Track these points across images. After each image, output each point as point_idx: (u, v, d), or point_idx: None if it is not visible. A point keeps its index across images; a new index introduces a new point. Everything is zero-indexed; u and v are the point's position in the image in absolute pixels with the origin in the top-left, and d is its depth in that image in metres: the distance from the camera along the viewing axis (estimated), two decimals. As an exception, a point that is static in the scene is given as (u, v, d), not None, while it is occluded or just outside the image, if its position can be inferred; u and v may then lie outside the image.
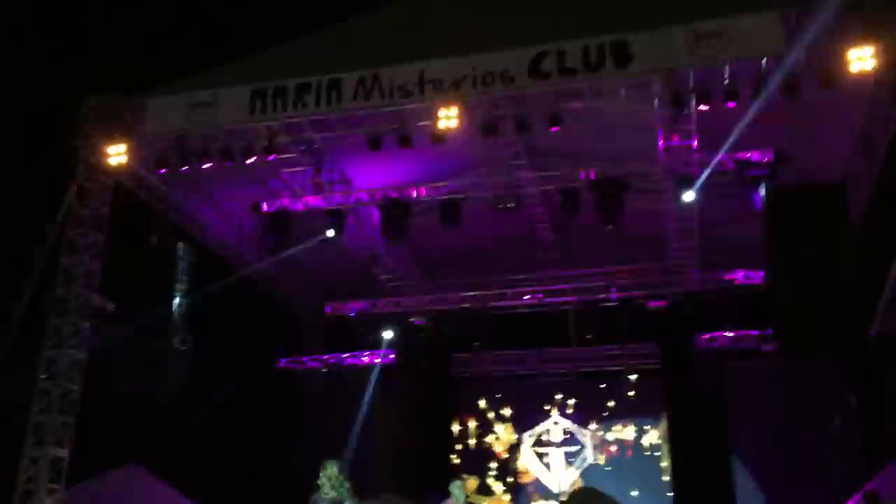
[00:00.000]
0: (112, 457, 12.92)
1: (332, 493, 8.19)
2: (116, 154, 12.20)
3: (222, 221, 15.09)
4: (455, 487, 9.23)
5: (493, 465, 18.07)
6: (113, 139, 12.19)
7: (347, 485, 8.27)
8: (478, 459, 18.17)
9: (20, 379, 11.46)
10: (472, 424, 18.52)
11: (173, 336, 12.53)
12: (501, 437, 18.29)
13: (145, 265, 12.85)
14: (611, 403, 17.80)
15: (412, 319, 17.82)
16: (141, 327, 12.16)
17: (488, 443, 18.29)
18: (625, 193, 12.76)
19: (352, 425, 17.04)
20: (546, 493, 17.63)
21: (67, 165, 12.23)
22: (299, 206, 14.06)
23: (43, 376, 11.47)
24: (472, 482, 11.21)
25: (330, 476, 8.23)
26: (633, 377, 17.56)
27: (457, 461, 18.23)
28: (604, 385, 17.88)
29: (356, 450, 16.42)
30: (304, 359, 18.21)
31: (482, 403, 18.62)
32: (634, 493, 16.96)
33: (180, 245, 12.79)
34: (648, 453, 17.31)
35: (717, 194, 13.57)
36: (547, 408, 18.13)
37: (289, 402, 17.79)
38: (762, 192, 11.47)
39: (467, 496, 9.34)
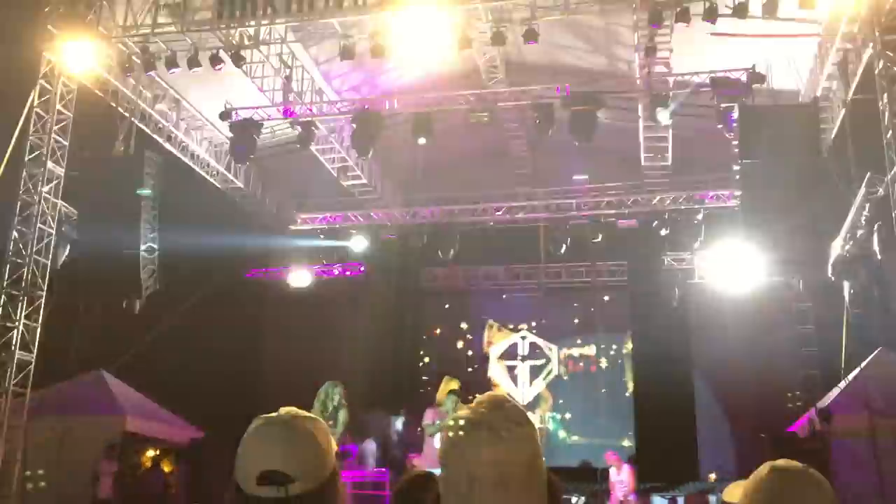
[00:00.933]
0: (79, 362, 12.92)
1: (326, 407, 8.61)
2: (81, 57, 11.81)
3: (191, 128, 14.80)
4: (449, 400, 9.39)
5: (462, 377, 18.35)
6: (77, 42, 11.78)
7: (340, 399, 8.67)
8: (447, 372, 18.43)
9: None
10: (441, 337, 18.75)
11: (141, 244, 12.38)
12: (470, 349, 18.56)
13: (111, 172, 12.60)
14: (578, 319, 18.07)
15: (383, 233, 17.77)
16: (107, 235, 12.00)
17: (457, 355, 18.55)
18: (599, 111, 12.64)
19: (321, 336, 17.15)
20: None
21: (30, 68, 11.85)
22: (269, 115, 13.81)
23: (7, 283, 11.33)
24: (453, 383, 11.44)
25: (329, 392, 8.63)
26: (609, 302, 17.77)
27: (426, 374, 18.52)
28: (574, 302, 18.12)
29: (328, 360, 16.59)
30: (274, 269, 18.15)
31: (451, 317, 18.83)
32: (598, 405, 17.40)
33: (147, 152, 12.49)
34: (612, 368, 17.67)
35: (691, 113, 13.56)
36: (515, 322, 18.37)
37: (257, 312, 17.83)
38: (735, 112, 11.42)
39: (459, 400, 9.54)
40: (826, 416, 11.20)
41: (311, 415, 1.68)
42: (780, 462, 1.69)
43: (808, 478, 1.63)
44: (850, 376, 12.22)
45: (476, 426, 1.20)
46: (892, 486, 10.38)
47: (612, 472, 12.72)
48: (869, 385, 11.33)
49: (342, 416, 8.95)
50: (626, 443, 16.65)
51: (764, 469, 1.67)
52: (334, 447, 1.67)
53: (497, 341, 18.51)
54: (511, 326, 18.46)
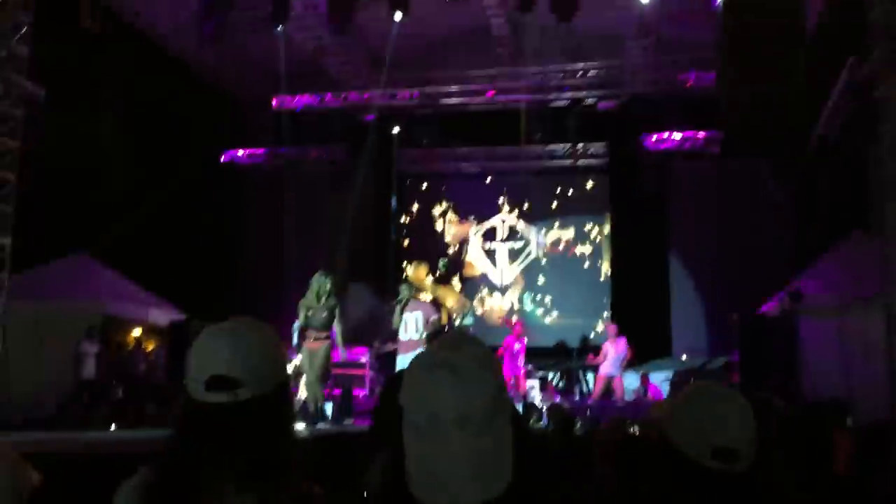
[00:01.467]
0: (56, 247, 12.87)
1: (321, 300, 8.89)
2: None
3: (159, 4, 14.26)
4: (403, 288, 9.48)
5: (442, 259, 18.52)
6: None
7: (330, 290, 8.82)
8: (426, 255, 18.58)
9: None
10: (420, 220, 18.78)
11: (111, 124, 12.14)
12: (449, 232, 18.62)
13: (78, 51, 12.20)
14: (557, 202, 18.10)
15: (361, 115, 17.50)
16: (76, 115, 11.74)
17: (436, 238, 18.64)
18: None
19: (300, 218, 17.12)
20: (492, 287, 18.25)
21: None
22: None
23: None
24: (422, 269, 11.58)
25: (321, 284, 8.76)
26: (588, 185, 17.73)
27: (405, 258, 18.63)
28: (553, 185, 18.09)
29: (306, 242, 16.64)
30: (250, 151, 17.94)
31: (430, 200, 18.81)
32: (575, 287, 17.66)
33: (112, 32, 12.07)
34: (590, 251, 17.83)
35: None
36: (494, 205, 18.38)
37: (234, 196, 17.72)
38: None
39: (415, 287, 9.62)
40: (796, 296, 11.40)
41: (260, 323, 1.67)
42: (706, 382, 1.75)
43: (729, 396, 1.66)
44: (823, 258, 12.38)
45: (438, 366, 1.19)
46: (857, 367, 10.67)
47: (607, 344, 12.97)
48: (840, 266, 11.50)
49: (336, 308, 9.06)
50: (600, 325, 16.98)
51: (689, 387, 1.71)
52: (284, 357, 1.67)
53: (455, 233, 18.56)
54: (472, 217, 18.43)
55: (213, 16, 12.97)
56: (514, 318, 16.14)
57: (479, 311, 18.19)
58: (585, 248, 17.89)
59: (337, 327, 9.02)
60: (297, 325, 9.06)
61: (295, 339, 9.11)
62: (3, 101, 11.23)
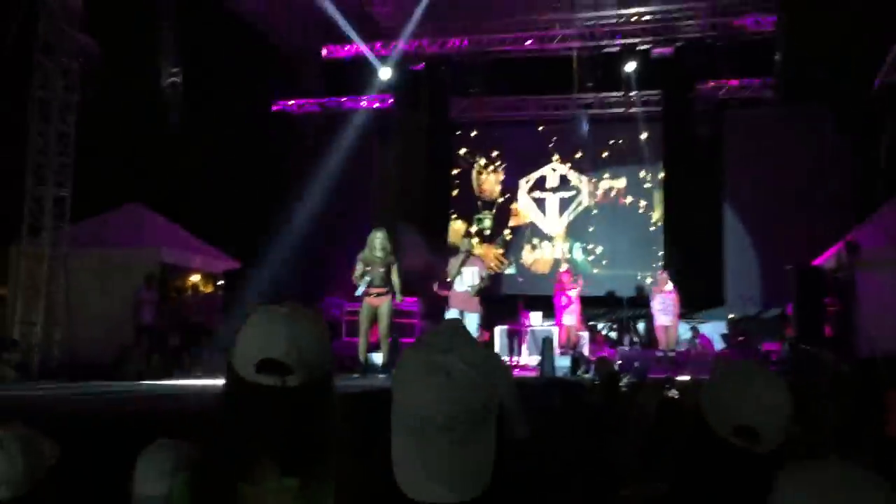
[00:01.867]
0: (112, 196, 13.16)
1: (382, 255, 8.96)
2: None
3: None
4: (463, 243, 9.62)
5: (491, 208, 18.51)
6: None
7: (389, 247, 9.04)
8: (475, 202, 18.59)
9: (15, 121, 11.41)
10: (471, 168, 18.73)
11: (164, 77, 12.27)
12: (497, 181, 18.56)
13: (129, 3, 12.31)
14: (609, 151, 17.86)
15: (410, 63, 17.39)
16: (130, 68, 11.88)
17: (485, 187, 18.59)
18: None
19: (350, 168, 17.19)
20: (541, 236, 18.20)
21: None
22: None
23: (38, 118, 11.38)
24: (462, 226, 11.64)
25: (380, 240, 8.84)
26: (642, 134, 17.44)
27: (455, 207, 18.65)
28: (606, 133, 17.83)
29: (358, 192, 16.73)
30: (301, 101, 18.00)
31: (481, 148, 18.72)
32: (626, 237, 17.51)
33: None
34: (643, 200, 17.61)
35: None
36: (545, 153, 18.22)
37: (285, 144, 17.83)
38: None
39: (466, 249, 9.75)
40: (854, 248, 11.16)
41: (312, 312, 1.68)
42: (747, 362, 1.76)
43: (763, 377, 1.65)
44: (882, 208, 12.06)
45: (433, 370, 1.19)
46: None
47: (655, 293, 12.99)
48: (899, 218, 11.20)
49: (395, 264, 9.11)
50: (649, 278, 16.86)
51: (729, 363, 1.70)
52: (331, 347, 1.68)
53: (486, 185, 18.49)
54: (522, 166, 18.32)
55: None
56: (563, 269, 16.07)
57: (528, 261, 18.17)
58: (638, 198, 17.67)
59: (396, 281, 9.09)
60: (357, 275, 9.02)
61: (359, 290, 9.06)
62: (60, 54, 11.43)
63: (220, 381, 1.65)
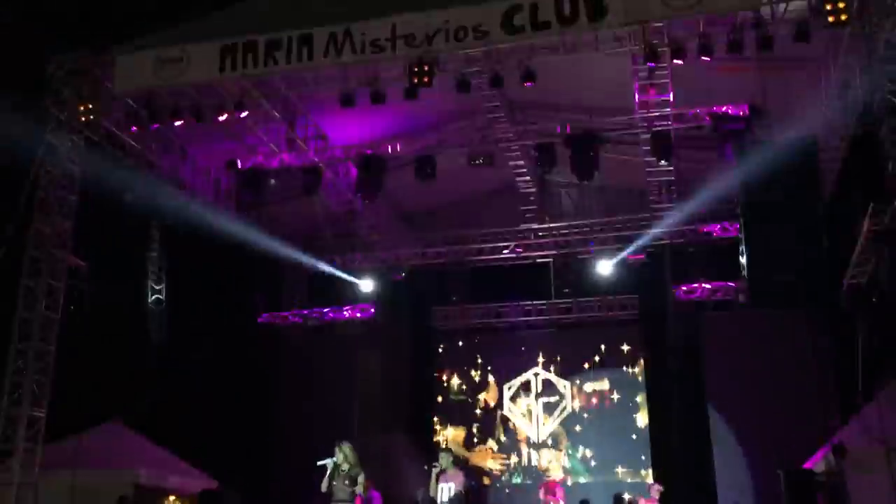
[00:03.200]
0: (91, 415, 12.98)
1: (347, 468, 8.92)
2: (86, 111, 11.97)
3: (198, 177, 14.94)
4: (442, 458, 9.45)
5: (476, 416, 18.31)
6: (82, 96, 11.96)
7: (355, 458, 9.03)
8: (462, 410, 18.41)
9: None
10: (454, 377, 18.70)
11: (150, 294, 12.47)
12: (484, 388, 18.48)
13: (119, 224, 12.73)
14: (589, 354, 17.97)
15: (392, 273, 17.81)
16: (117, 286, 12.10)
17: (472, 394, 18.49)
18: (600, 147, 12.70)
19: (335, 379, 17.15)
20: (530, 443, 17.90)
21: (36, 123, 12.02)
22: (274, 163, 13.96)
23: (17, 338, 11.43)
24: (460, 433, 11.45)
25: (346, 454, 8.92)
26: (620, 337, 17.64)
27: (439, 414, 18.46)
28: (585, 337, 18.04)
29: (341, 402, 16.59)
30: (285, 314, 18.23)
31: (463, 355, 18.78)
32: (614, 441, 17.25)
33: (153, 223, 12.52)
34: (627, 403, 17.51)
35: (694, 147, 13.59)
36: (527, 359, 18.30)
37: (271, 356, 17.86)
38: (736, 146, 11.43)
39: (453, 456, 9.56)
40: (841, 451, 11.04)
41: None
42: None
43: None
44: (865, 408, 12.04)
45: None
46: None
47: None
48: (884, 417, 11.15)
49: (360, 476, 9.06)
50: (647, 478, 16.47)
51: None
52: None
53: (489, 390, 18.47)
54: (505, 372, 18.37)
55: (249, 188, 13.54)
56: (555, 477, 15.65)
57: (528, 464, 17.79)
58: (621, 400, 17.58)
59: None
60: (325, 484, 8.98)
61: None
62: (46, 275, 11.67)
63: None
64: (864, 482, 10.69)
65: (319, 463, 9.14)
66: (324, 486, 8.99)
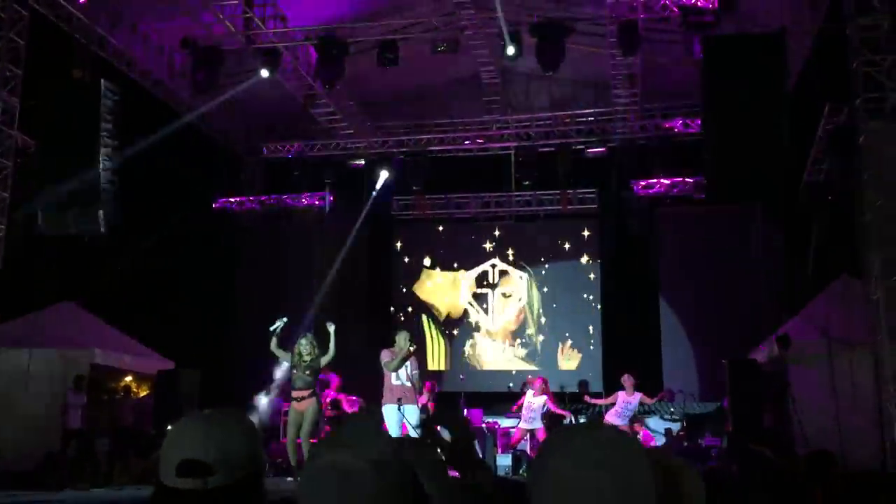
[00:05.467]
0: (45, 296, 12.85)
1: (309, 360, 9.22)
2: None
3: (151, 55, 14.43)
4: (401, 338, 9.48)
5: (433, 305, 18.52)
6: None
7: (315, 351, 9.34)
8: (418, 301, 18.59)
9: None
10: (411, 266, 18.80)
11: (102, 175, 12.15)
12: (441, 278, 18.63)
13: (68, 101, 12.29)
14: (547, 247, 18.16)
15: (351, 161, 17.62)
16: (66, 166, 11.78)
17: (428, 284, 18.65)
18: (567, 38, 12.45)
19: (291, 267, 17.15)
20: (484, 333, 18.22)
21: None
22: (232, 43, 13.48)
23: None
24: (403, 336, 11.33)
25: (306, 346, 9.26)
26: (578, 231, 17.79)
27: (398, 304, 18.63)
28: (544, 230, 18.18)
29: (298, 288, 16.63)
30: (242, 198, 18.01)
31: (422, 245, 18.85)
32: (567, 334, 17.66)
33: (103, 82, 12.13)
34: (582, 295, 17.83)
35: (659, 40, 13.42)
36: (485, 250, 18.43)
37: (227, 241, 17.73)
38: (703, 39, 11.28)
39: (410, 345, 9.57)
40: (785, 341, 11.41)
41: (239, 412, 1.65)
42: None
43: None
44: (811, 303, 12.42)
45: (329, 470, 1.19)
46: (846, 409, 10.67)
47: (622, 394, 12.26)
48: (829, 311, 11.52)
49: (319, 363, 9.27)
50: (595, 371, 16.97)
51: None
52: (260, 447, 1.63)
53: (433, 280, 18.57)
54: (462, 262, 18.50)
55: (205, 69, 13.10)
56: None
57: (470, 356, 18.14)
58: (577, 294, 17.89)
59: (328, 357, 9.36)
60: (277, 378, 9.27)
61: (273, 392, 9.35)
62: (-6, 152, 11.31)
63: (149, 492, 1.60)
64: (805, 372, 11.12)
65: (272, 328, 9.34)
66: (272, 346, 9.39)
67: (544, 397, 11.97)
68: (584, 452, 1.16)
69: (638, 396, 12.02)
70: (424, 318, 18.36)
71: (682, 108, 15.71)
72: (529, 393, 12.08)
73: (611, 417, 11.90)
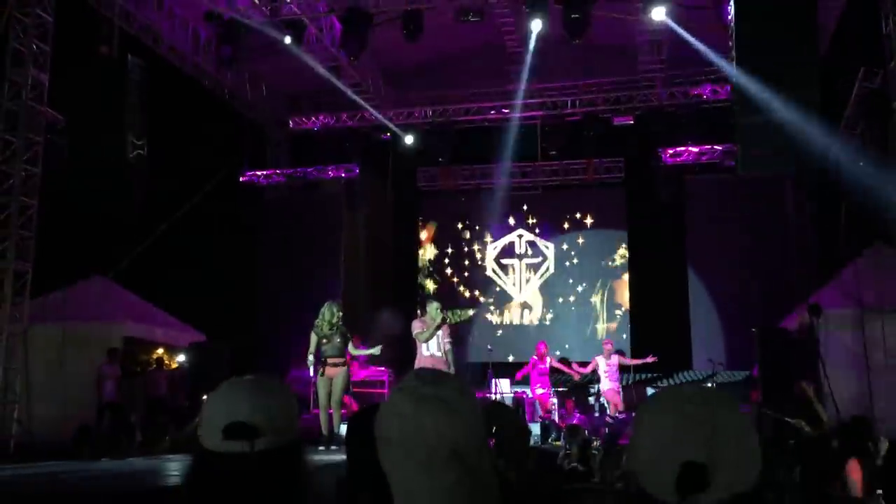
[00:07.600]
0: (76, 271, 13.01)
1: (333, 328, 9.23)
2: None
3: (176, 30, 14.44)
4: (432, 307, 9.50)
5: (460, 276, 18.55)
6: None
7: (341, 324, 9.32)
8: (444, 269, 18.63)
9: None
10: (438, 237, 18.81)
11: (130, 150, 12.25)
12: (467, 248, 18.64)
13: (95, 77, 12.35)
14: (575, 216, 18.08)
15: (377, 133, 17.58)
16: (95, 141, 11.87)
17: (456, 254, 18.66)
18: (594, 5, 12.29)
19: (318, 238, 17.21)
20: (510, 302, 18.24)
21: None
22: (257, 16, 13.45)
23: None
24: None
25: (329, 313, 9.20)
26: (605, 200, 17.66)
27: (424, 275, 18.67)
28: (570, 200, 18.09)
29: (325, 260, 16.74)
30: (268, 172, 18.07)
31: (448, 216, 18.84)
32: (594, 302, 17.62)
33: (130, 57, 12.16)
34: (611, 264, 17.76)
35: (688, 5, 13.21)
36: (512, 221, 18.39)
37: (254, 215, 17.83)
38: (732, 3, 11.08)
39: (443, 315, 9.56)
40: (816, 310, 11.29)
41: (277, 378, 1.66)
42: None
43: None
44: (843, 270, 12.26)
45: (425, 400, 1.18)
46: (878, 377, 10.58)
47: (600, 359, 12.54)
48: (860, 279, 11.38)
49: (348, 333, 9.33)
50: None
51: None
52: (299, 414, 1.63)
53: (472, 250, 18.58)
54: (489, 233, 18.44)
55: (229, 41, 13.10)
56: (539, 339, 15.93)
57: (501, 323, 18.17)
58: (604, 262, 17.82)
59: (352, 349, 9.28)
60: (311, 355, 9.24)
61: (311, 370, 9.32)
62: (24, 128, 11.41)
63: (185, 459, 1.60)
64: (837, 340, 11.02)
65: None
66: (312, 346, 9.33)
67: (616, 356, 12.57)
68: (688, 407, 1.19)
69: (616, 358, 12.53)
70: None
71: (711, 75, 15.45)
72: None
73: (607, 386, 12.44)
